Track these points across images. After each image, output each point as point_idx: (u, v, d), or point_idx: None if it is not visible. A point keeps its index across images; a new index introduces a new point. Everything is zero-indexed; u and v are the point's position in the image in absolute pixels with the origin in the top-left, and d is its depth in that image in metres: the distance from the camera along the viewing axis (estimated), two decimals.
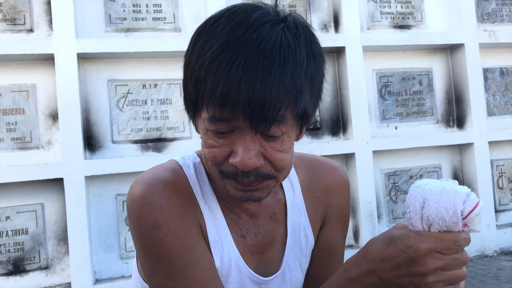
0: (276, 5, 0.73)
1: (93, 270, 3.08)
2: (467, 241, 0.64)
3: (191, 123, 3.34)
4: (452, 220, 0.63)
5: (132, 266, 0.91)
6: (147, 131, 3.34)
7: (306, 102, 0.69)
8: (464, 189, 0.65)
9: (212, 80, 0.66)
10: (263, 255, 0.86)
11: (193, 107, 0.74)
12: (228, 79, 0.65)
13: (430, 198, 0.65)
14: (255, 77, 0.64)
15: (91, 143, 3.25)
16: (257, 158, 0.69)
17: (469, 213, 0.64)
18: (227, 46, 0.66)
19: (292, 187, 0.90)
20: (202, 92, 0.68)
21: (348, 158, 3.65)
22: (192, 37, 0.74)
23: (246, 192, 0.74)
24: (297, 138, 0.77)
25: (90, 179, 3.14)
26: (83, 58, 3.21)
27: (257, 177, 0.71)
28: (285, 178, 0.77)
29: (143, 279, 0.85)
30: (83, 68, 3.26)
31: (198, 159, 0.86)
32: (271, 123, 0.67)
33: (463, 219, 0.64)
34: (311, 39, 0.72)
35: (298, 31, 0.70)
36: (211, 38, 0.69)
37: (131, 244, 3.22)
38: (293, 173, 0.91)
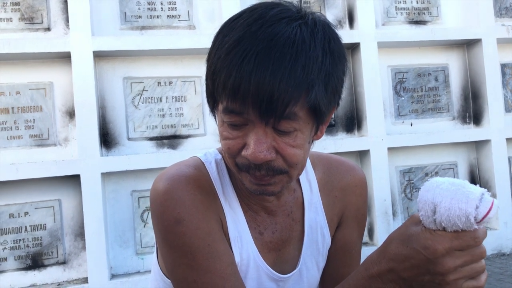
0: (300, 3, 0.74)
1: (109, 266, 3.12)
2: (485, 234, 0.64)
3: (206, 119, 3.35)
4: (465, 225, 0.62)
5: (152, 261, 0.93)
6: (162, 128, 3.37)
7: (318, 98, 0.69)
8: (477, 191, 0.63)
9: (225, 72, 0.68)
10: (280, 252, 0.87)
11: (212, 99, 0.75)
12: (240, 71, 0.66)
13: (441, 205, 0.63)
14: (265, 69, 0.66)
15: (107, 140, 3.29)
16: (268, 151, 0.70)
17: (483, 218, 0.62)
18: (242, 39, 0.68)
19: (310, 185, 0.90)
20: (217, 84, 0.70)
21: (362, 155, 3.63)
22: (216, 33, 0.75)
23: (259, 186, 0.75)
24: (316, 137, 0.77)
25: (106, 175, 3.18)
26: (99, 56, 3.25)
27: (268, 171, 0.72)
28: (299, 175, 0.77)
29: (163, 273, 0.87)
30: (99, 66, 3.30)
31: (219, 156, 0.87)
32: (280, 117, 0.68)
33: (478, 223, 0.62)
34: (331, 37, 0.72)
35: (316, 28, 0.71)
36: (230, 32, 0.71)
37: (146, 240, 3.25)
38: (311, 171, 0.91)
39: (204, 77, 0.80)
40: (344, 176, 0.93)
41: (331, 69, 0.71)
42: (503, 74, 4.01)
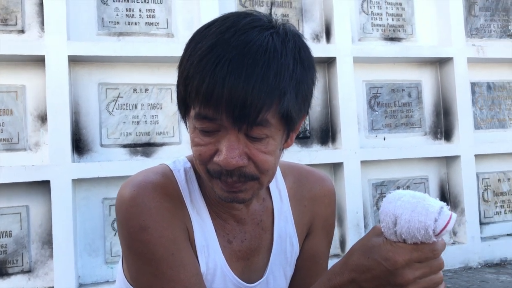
0: (270, 14, 0.75)
1: (77, 275, 3.05)
2: (443, 246, 0.66)
3: (181, 127, 3.33)
4: (424, 238, 0.64)
5: (117, 268, 0.91)
6: (136, 135, 3.34)
7: (290, 105, 0.70)
8: (437, 204, 0.65)
9: (199, 78, 0.68)
10: (249, 261, 0.87)
11: (183, 105, 0.75)
12: (213, 77, 0.67)
13: (401, 217, 0.65)
14: (239, 75, 0.66)
15: (79, 146, 3.23)
16: (240, 157, 0.70)
17: (441, 231, 0.64)
18: (215, 46, 0.69)
19: (280, 195, 0.91)
20: (189, 90, 0.70)
21: (336, 167, 3.68)
22: (188, 40, 0.76)
23: (230, 193, 0.75)
24: (286, 144, 0.78)
25: (77, 182, 3.12)
26: (74, 60, 3.20)
27: (240, 177, 0.72)
28: (269, 181, 0.77)
29: (128, 281, 0.86)
30: (74, 70, 3.25)
31: (188, 164, 0.86)
32: (253, 123, 0.68)
33: (436, 235, 0.64)
34: (301, 46, 0.74)
35: (287, 37, 0.72)
36: (203, 39, 0.71)
37: (117, 248, 3.19)
38: (281, 181, 0.92)
39: None
40: (314, 186, 0.94)
41: (302, 78, 0.72)
42: (473, 92, 4.13)
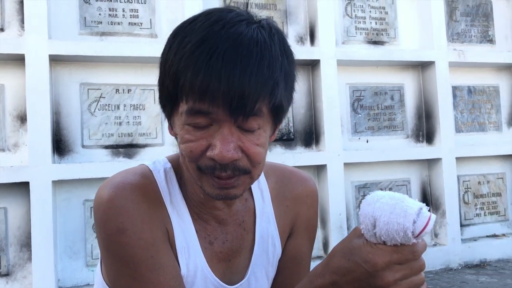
0: (247, 10, 0.76)
1: (56, 278, 2.99)
2: (424, 248, 0.66)
3: (165, 128, 3.27)
4: (403, 240, 0.64)
5: (96, 271, 0.89)
6: (119, 136, 3.30)
7: (281, 95, 0.71)
8: (415, 206, 0.65)
9: (192, 71, 0.67)
10: (230, 263, 0.86)
11: (170, 102, 0.73)
12: (208, 69, 0.66)
13: (380, 219, 0.65)
14: (234, 66, 0.66)
15: (60, 147, 3.18)
16: (235, 150, 0.70)
17: (420, 232, 0.64)
18: (206, 39, 0.68)
19: (262, 195, 0.90)
20: (181, 83, 0.69)
21: (320, 169, 3.69)
22: (169, 37, 0.75)
23: (222, 190, 0.74)
24: (271, 138, 0.78)
25: (57, 183, 3.07)
26: (55, 60, 3.15)
27: (234, 170, 0.71)
28: (259, 176, 0.77)
29: (106, 284, 0.84)
30: (55, 70, 3.20)
31: (169, 165, 0.85)
32: (249, 113, 0.68)
33: (416, 237, 0.64)
34: (283, 40, 0.76)
35: (272, 31, 0.73)
36: (190, 34, 0.71)
37: (97, 251, 3.14)
38: (263, 181, 0.91)
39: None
40: (296, 186, 0.93)
41: (289, 70, 0.74)
42: (454, 96, 4.19)
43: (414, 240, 0.64)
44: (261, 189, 0.90)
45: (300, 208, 0.93)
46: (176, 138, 0.77)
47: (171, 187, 0.82)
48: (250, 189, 0.90)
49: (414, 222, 0.63)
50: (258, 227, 0.88)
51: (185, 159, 0.74)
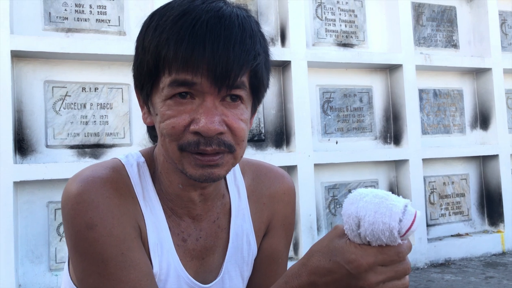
0: None
1: (17, 283, 2.87)
2: (409, 249, 0.64)
3: (132, 128, 3.18)
4: (389, 240, 0.62)
5: (63, 272, 0.85)
6: (85, 136, 3.20)
7: (262, 69, 0.72)
8: (400, 204, 0.63)
9: (176, 39, 0.66)
10: (204, 261, 0.83)
11: (150, 79, 0.71)
12: (192, 36, 0.66)
13: (364, 218, 0.62)
14: (219, 35, 0.66)
15: (22, 146, 3.05)
16: (219, 123, 0.69)
17: (407, 231, 0.62)
18: (188, 11, 0.68)
19: (238, 192, 0.88)
20: (164, 54, 0.67)
21: (290, 170, 3.69)
22: (145, 20, 0.74)
23: (205, 169, 0.71)
24: (250, 121, 0.77)
25: (19, 184, 2.94)
26: (17, 56, 3.03)
27: (219, 145, 0.70)
28: (241, 157, 0.76)
29: (74, 284, 0.80)
30: (17, 66, 3.07)
31: (142, 159, 0.82)
32: (233, 84, 0.68)
33: (402, 236, 0.62)
34: (258, 23, 0.77)
35: (248, 13, 0.74)
36: (169, 10, 0.70)
37: (61, 255, 3.04)
38: (240, 177, 0.89)
39: (132, 80, 0.76)
40: (273, 183, 0.92)
41: (266, 47, 0.75)
42: (421, 98, 4.29)
43: (400, 240, 0.62)
44: (237, 185, 0.88)
45: (277, 206, 0.91)
46: (153, 128, 0.75)
47: (144, 181, 0.79)
48: (226, 186, 0.88)
49: (400, 220, 0.62)
50: (233, 225, 0.86)
51: (165, 140, 0.71)
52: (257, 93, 0.74)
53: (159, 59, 0.68)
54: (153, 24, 0.71)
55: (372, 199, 0.63)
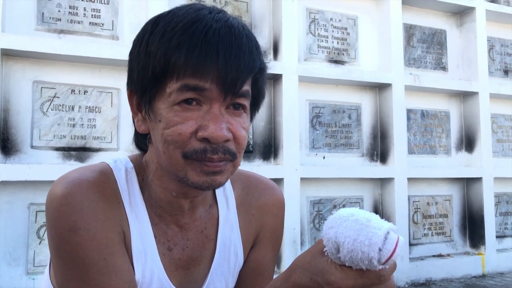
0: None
1: None
2: (392, 270, 0.63)
3: (120, 133, 3.14)
4: (369, 267, 0.60)
5: (44, 275, 0.83)
6: (71, 138, 3.16)
7: (263, 79, 0.75)
8: (381, 231, 0.60)
9: (188, 46, 0.66)
10: (189, 271, 0.82)
11: (154, 85, 0.70)
12: (205, 44, 0.66)
13: (343, 245, 0.61)
14: (230, 43, 0.68)
15: (6, 146, 3.00)
16: (227, 130, 0.69)
17: (387, 260, 0.60)
18: (197, 19, 0.69)
19: (227, 202, 0.87)
20: (174, 60, 0.67)
21: (277, 183, 3.64)
22: (147, 25, 0.73)
23: (209, 176, 0.70)
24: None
25: (1, 184, 2.89)
26: (7, 54, 2.99)
27: (225, 153, 0.70)
28: (239, 166, 0.76)
29: (54, 287, 0.78)
30: (6, 65, 3.03)
31: (131, 165, 0.81)
32: (239, 91, 0.69)
33: (383, 264, 0.61)
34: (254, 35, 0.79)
35: (244, 26, 0.75)
36: (175, 18, 0.70)
37: (40, 258, 2.97)
38: (229, 188, 0.88)
39: (125, 82, 0.76)
40: (262, 194, 0.91)
41: (263, 58, 0.76)
42: (408, 118, 4.34)
43: (381, 267, 0.61)
44: (226, 195, 0.87)
45: (266, 218, 0.90)
46: (143, 136, 0.75)
47: (131, 187, 0.78)
48: (214, 196, 0.87)
49: (380, 250, 0.60)
50: (220, 235, 0.85)
51: (168, 147, 0.70)
52: (257, 102, 0.76)
53: (168, 65, 0.68)
54: (159, 30, 0.70)
55: (352, 225, 0.61)
